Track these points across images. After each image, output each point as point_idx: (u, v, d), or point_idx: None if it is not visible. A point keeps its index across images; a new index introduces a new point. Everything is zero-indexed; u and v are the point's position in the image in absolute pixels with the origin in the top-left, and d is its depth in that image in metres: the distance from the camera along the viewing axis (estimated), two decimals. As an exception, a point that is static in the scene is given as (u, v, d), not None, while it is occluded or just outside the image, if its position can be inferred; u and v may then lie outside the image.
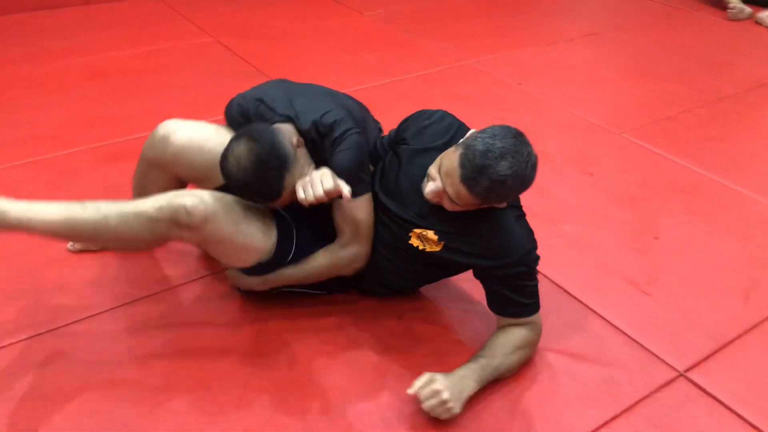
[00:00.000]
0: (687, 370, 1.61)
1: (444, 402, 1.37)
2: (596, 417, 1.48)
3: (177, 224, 1.45)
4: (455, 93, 2.99)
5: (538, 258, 1.54)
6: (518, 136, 1.37)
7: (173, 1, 4.06)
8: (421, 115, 1.65)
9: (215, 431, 1.41)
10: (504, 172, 1.34)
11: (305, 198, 1.47)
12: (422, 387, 1.39)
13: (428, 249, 1.53)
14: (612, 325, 1.74)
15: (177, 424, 1.42)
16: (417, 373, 1.44)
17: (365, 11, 4.02)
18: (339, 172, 1.53)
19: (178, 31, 3.63)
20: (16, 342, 1.60)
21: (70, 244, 1.87)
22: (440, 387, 1.38)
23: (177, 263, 1.88)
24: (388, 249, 1.60)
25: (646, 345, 1.68)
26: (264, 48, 3.41)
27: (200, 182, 1.65)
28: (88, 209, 1.43)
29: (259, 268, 1.59)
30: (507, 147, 1.34)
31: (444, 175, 1.39)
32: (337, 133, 1.55)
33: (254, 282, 1.64)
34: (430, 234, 1.52)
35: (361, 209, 1.57)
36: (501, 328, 1.58)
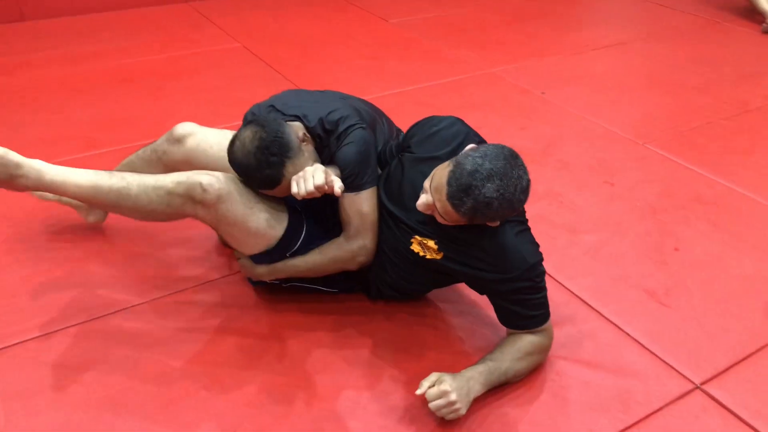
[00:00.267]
0: (703, 383, 1.59)
1: (452, 403, 1.38)
2: (608, 426, 1.47)
3: (192, 199, 1.51)
4: (477, 101, 3.00)
5: (543, 271, 1.52)
6: (510, 158, 1.34)
7: (203, 7, 4.14)
8: (428, 121, 1.64)
9: (227, 428, 1.44)
10: (489, 194, 1.31)
11: (298, 192, 1.49)
12: (430, 387, 1.40)
13: (429, 257, 1.53)
14: (627, 334, 1.72)
15: (188, 421, 1.45)
16: (423, 377, 1.44)
17: (390, 18, 4.06)
18: (343, 166, 1.56)
19: (206, 36, 3.71)
20: (33, 338, 1.65)
21: (91, 216, 1.97)
22: (448, 388, 1.38)
23: (195, 264, 1.92)
24: (392, 251, 1.62)
25: (661, 356, 1.66)
26: (289, 53, 3.47)
27: None
28: (114, 177, 1.54)
29: (266, 256, 1.62)
30: (496, 169, 1.31)
31: (433, 190, 1.38)
32: (341, 128, 1.59)
33: (262, 271, 1.67)
34: (431, 243, 1.52)
35: (365, 202, 1.59)
36: (511, 333, 1.57)
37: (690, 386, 1.58)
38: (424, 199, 1.42)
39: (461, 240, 1.50)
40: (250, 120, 1.59)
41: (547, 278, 1.55)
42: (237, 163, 1.54)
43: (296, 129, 1.59)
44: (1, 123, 2.69)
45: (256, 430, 1.43)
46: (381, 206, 1.62)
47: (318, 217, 1.68)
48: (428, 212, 1.43)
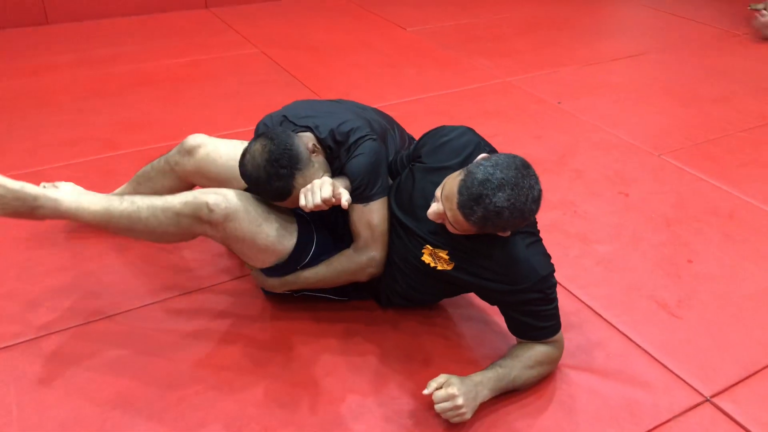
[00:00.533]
0: (713, 396, 1.58)
1: (458, 407, 1.39)
2: (615, 437, 1.46)
3: (200, 220, 1.53)
4: (493, 110, 3.01)
5: (554, 283, 1.51)
6: (522, 168, 1.33)
7: (223, 13, 4.20)
8: (439, 131, 1.64)
9: (234, 429, 1.45)
10: (500, 203, 1.30)
11: (305, 205, 1.51)
12: (438, 388, 1.41)
13: (440, 267, 1.54)
14: (638, 345, 1.72)
15: (195, 421, 1.47)
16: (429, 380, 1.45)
17: (408, 26, 4.08)
18: (352, 177, 1.57)
19: (225, 41, 3.76)
20: (44, 335, 1.69)
21: None
22: (456, 392, 1.39)
23: (206, 266, 1.95)
24: (402, 261, 1.62)
25: (672, 368, 1.65)
26: (307, 60, 3.50)
27: None
28: (124, 202, 1.55)
29: (278, 269, 1.64)
30: (507, 178, 1.31)
31: (444, 198, 1.38)
32: (352, 140, 1.60)
33: (274, 283, 1.69)
34: (443, 253, 1.52)
35: (374, 214, 1.60)
36: (522, 341, 1.58)
37: (700, 399, 1.57)
38: (434, 208, 1.42)
39: (472, 250, 1.50)
40: (260, 133, 1.60)
41: (558, 287, 1.55)
42: (248, 175, 1.56)
43: (306, 140, 1.60)
44: (23, 123, 2.74)
45: (263, 431, 1.45)
46: (392, 216, 1.62)
47: (329, 226, 1.69)
48: (439, 221, 1.44)
